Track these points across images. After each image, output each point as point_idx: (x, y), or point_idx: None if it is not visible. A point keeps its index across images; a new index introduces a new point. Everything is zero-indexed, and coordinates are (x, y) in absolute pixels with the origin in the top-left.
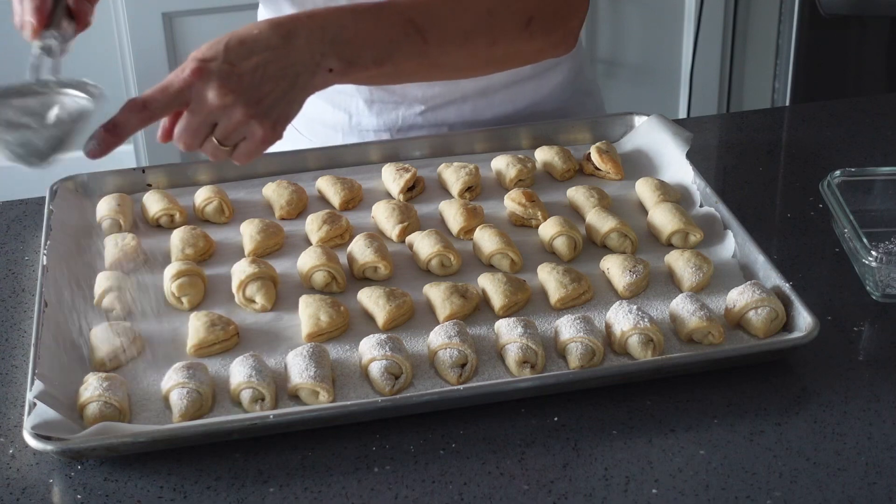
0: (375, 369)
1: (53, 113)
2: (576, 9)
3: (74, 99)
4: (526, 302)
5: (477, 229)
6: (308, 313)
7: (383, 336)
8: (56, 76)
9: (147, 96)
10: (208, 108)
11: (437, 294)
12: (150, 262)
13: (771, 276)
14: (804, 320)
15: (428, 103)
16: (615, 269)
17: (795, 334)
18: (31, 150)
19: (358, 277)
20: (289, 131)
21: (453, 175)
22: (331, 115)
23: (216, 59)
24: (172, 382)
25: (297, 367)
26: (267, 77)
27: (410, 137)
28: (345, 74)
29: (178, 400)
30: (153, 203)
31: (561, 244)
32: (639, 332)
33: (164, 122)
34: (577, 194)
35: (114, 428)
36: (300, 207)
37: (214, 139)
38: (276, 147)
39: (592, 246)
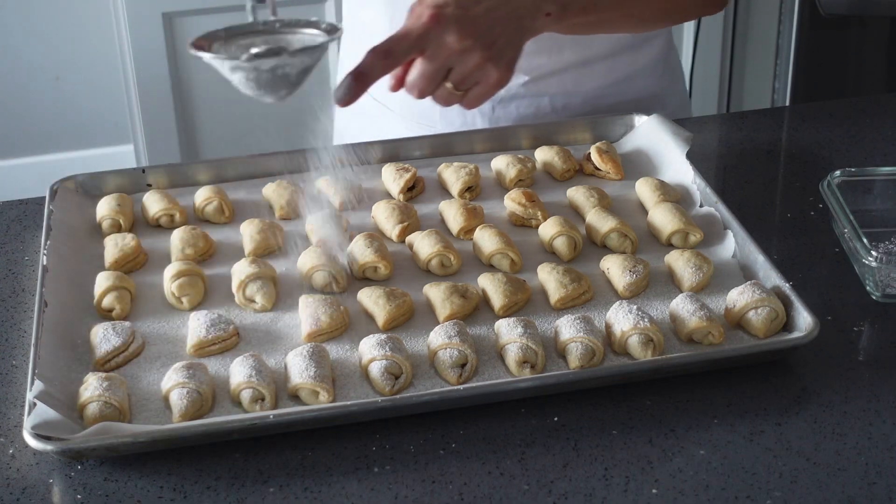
0: (375, 369)
1: (301, 42)
2: None
3: (306, 36)
4: (526, 302)
5: (477, 229)
6: (308, 313)
7: (383, 336)
8: (276, 17)
9: (390, 44)
10: (447, 52)
11: (437, 294)
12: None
13: (771, 276)
14: (804, 320)
15: (532, 73)
16: (615, 269)
17: (795, 334)
18: (282, 78)
19: (358, 277)
20: (378, 110)
21: (453, 175)
22: None
23: (450, 5)
24: (172, 382)
25: (297, 367)
26: (497, 20)
27: (410, 137)
28: (559, 20)
29: (178, 400)
30: (153, 203)
31: (561, 244)
32: (639, 332)
33: (395, 71)
34: (577, 194)
35: (114, 428)
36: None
37: (448, 84)
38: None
39: (592, 246)
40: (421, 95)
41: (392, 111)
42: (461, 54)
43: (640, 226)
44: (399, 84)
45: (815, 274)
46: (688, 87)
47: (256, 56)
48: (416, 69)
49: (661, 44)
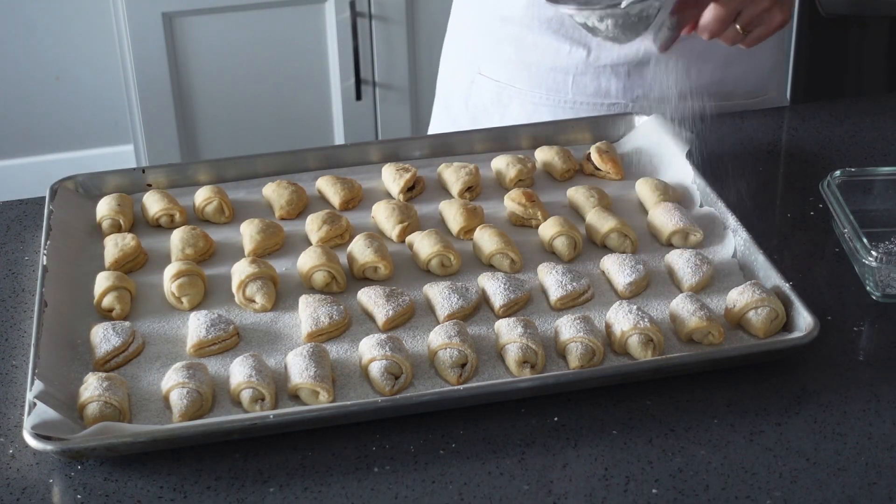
0: (375, 369)
1: None
2: None
3: None
4: (526, 302)
5: (477, 229)
6: (308, 313)
7: (383, 336)
8: None
9: None
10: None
11: (437, 294)
12: None
13: (771, 276)
14: (804, 320)
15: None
16: (615, 269)
17: (795, 334)
18: (644, 19)
19: (358, 277)
20: (497, 92)
21: (453, 175)
22: (565, 55)
23: None
24: (172, 382)
25: (297, 367)
26: None
27: (410, 137)
28: None
29: (178, 400)
30: (153, 203)
31: (561, 244)
32: (639, 332)
33: (691, 23)
34: (577, 194)
35: (114, 428)
36: (300, 207)
37: (737, 26)
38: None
39: (592, 246)
40: (711, 36)
41: (519, 89)
42: (752, 0)
43: (640, 226)
44: (692, 28)
45: (815, 274)
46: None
47: (633, 2)
48: (710, 13)
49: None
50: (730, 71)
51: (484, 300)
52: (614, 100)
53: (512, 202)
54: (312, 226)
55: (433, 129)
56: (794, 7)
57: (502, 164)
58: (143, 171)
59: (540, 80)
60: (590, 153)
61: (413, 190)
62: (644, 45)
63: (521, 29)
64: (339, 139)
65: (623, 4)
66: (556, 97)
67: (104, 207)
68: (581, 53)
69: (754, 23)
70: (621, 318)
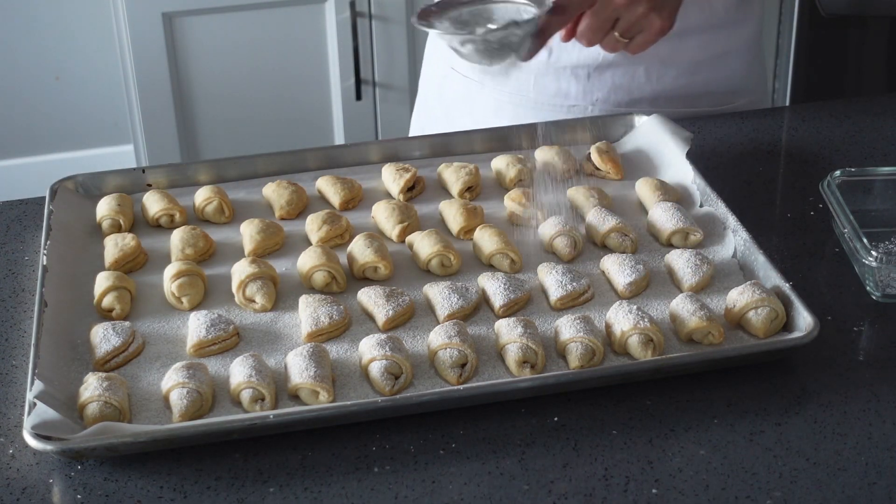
0: (375, 369)
1: (527, 13)
2: None
3: (524, 7)
4: (526, 302)
5: (477, 229)
6: (308, 313)
7: (383, 336)
8: None
9: (563, 1)
10: (614, 4)
11: (436, 294)
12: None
13: (771, 276)
14: (804, 320)
15: None
16: (615, 269)
17: (795, 334)
18: (507, 46)
19: (358, 277)
20: (466, 87)
21: (453, 175)
22: None
23: None
24: (172, 382)
25: (297, 367)
26: None
27: (410, 137)
28: None
29: (178, 400)
30: (153, 203)
31: (561, 244)
32: (639, 332)
33: (569, 26)
34: (577, 194)
35: (114, 428)
36: (300, 207)
37: (616, 33)
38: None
39: (592, 246)
40: (589, 44)
41: (484, 86)
42: (627, 6)
43: (640, 226)
44: (570, 35)
45: (815, 274)
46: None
47: (493, 30)
48: (586, 21)
49: (753, 29)
50: (696, 77)
51: (484, 300)
52: (574, 102)
53: (512, 202)
54: (312, 226)
55: (413, 120)
56: (675, 14)
57: (502, 164)
58: (143, 171)
59: (504, 79)
60: (590, 153)
61: (413, 190)
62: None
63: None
64: (339, 139)
65: (478, 33)
66: (519, 96)
67: (104, 207)
68: (543, 53)
69: (633, 30)
70: (621, 318)
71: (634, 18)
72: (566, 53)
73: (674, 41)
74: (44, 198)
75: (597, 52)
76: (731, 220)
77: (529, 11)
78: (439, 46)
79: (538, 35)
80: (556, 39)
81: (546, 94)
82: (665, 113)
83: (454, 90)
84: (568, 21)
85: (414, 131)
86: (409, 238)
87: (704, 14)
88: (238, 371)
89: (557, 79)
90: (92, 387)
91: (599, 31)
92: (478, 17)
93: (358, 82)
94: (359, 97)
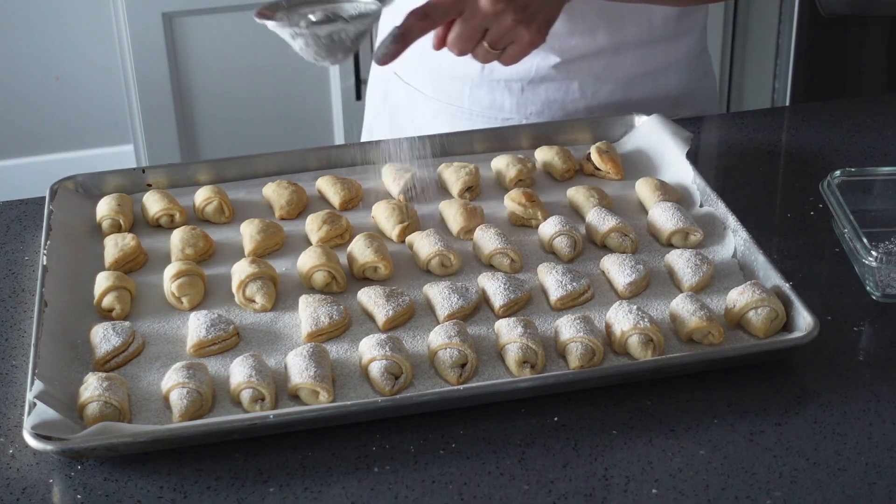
0: (375, 369)
1: (356, 9)
2: None
3: (358, 3)
4: (526, 302)
5: (477, 229)
6: (308, 313)
7: (383, 336)
8: None
9: (428, 6)
10: (482, 14)
11: (436, 294)
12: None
13: (771, 276)
14: (804, 320)
15: (563, 55)
16: (615, 269)
17: (795, 334)
18: (338, 43)
19: (358, 277)
20: (408, 93)
21: (453, 175)
22: (462, 66)
23: None
24: (172, 382)
25: (297, 367)
26: None
27: (410, 138)
28: None
29: (178, 400)
30: (153, 203)
31: (561, 244)
32: (639, 332)
33: (437, 31)
34: (577, 194)
35: (114, 428)
36: (300, 207)
37: (485, 44)
38: (278, 147)
39: (592, 246)
40: (460, 53)
41: (423, 94)
42: (495, 16)
43: (640, 226)
44: (441, 43)
45: (815, 274)
46: (717, 88)
47: (314, 24)
48: (455, 30)
49: (694, 40)
50: (633, 91)
51: (484, 300)
52: (508, 115)
53: (512, 202)
54: (312, 226)
55: (364, 125)
56: (546, 27)
57: (502, 164)
58: (143, 171)
59: (441, 88)
60: (590, 153)
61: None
62: (536, 62)
63: (427, 36)
64: (339, 139)
65: (301, 25)
66: (455, 107)
67: (104, 207)
68: (477, 66)
69: (503, 41)
70: (621, 318)
71: (502, 30)
72: (499, 67)
73: (611, 56)
74: (44, 198)
75: (530, 66)
76: (731, 220)
77: (370, 9)
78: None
79: (398, 39)
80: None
81: (480, 106)
82: None
83: (397, 96)
84: (430, 27)
85: (365, 135)
86: (409, 238)
87: (642, 29)
88: (238, 371)
89: (491, 91)
90: (92, 387)
91: (469, 41)
92: (328, 13)
93: (358, 82)
94: (359, 97)
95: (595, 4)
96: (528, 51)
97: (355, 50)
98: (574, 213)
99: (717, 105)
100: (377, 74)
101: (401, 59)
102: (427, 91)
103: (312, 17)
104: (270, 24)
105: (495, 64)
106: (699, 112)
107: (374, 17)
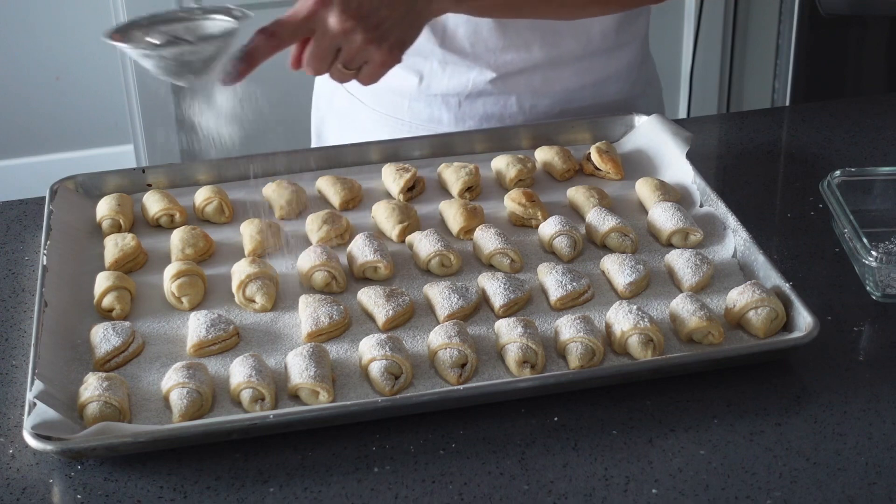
0: (375, 369)
1: (205, 31)
2: None
3: (219, 22)
4: (526, 302)
5: (477, 229)
6: (308, 313)
7: (383, 336)
8: (199, 3)
9: (275, 25)
10: (331, 34)
11: (436, 294)
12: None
13: (771, 276)
14: (804, 320)
15: (499, 70)
16: (615, 269)
17: (795, 334)
18: (186, 65)
19: (358, 277)
20: (350, 102)
21: (453, 175)
22: (401, 79)
23: None
24: (172, 382)
25: (297, 367)
26: (384, 3)
27: (410, 137)
28: (459, 2)
29: (178, 400)
30: (153, 203)
31: (561, 244)
32: (639, 332)
33: (293, 50)
34: (577, 194)
35: (114, 428)
36: (300, 207)
37: (339, 64)
38: (278, 147)
39: (592, 246)
40: (316, 73)
41: (364, 104)
42: (344, 35)
43: (640, 226)
44: (297, 63)
45: (815, 274)
46: (662, 94)
47: (159, 46)
48: (309, 49)
49: (635, 50)
50: (572, 105)
51: (484, 300)
52: (447, 128)
53: (512, 202)
54: (312, 226)
55: (312, 127)
56: (400, 47)
57: (502, 164)
58: (143, 171)
59: (381, 100)
60: (590, 153)
61: (413, 190)
62: (472, 77)
63: None
64: None
65: (144, 48)
66: (394, 119)
67: (104, 207)
68: (414, 80)
69: (356, 61)
70: (621, 318)
71: (353, 49)
72: (436, 81)
73: (548, 70)
74: (44, 198)
75: (467, 81)
76: (731, 220)
77: (225, 28)
78: None
79: (245, 59)
80: (428, 67)
81: (419, 119)
82: None
83: (341, 104)
84: (278, 47)
85: (314, 140)
86: (409, 238)
87: (579, 42)
88: (238, 371)
89: (429, 105)
90: (92, 387)
91: (322, 61)
92: (189, 34)
93: None
94: None
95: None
96: (382, 71)
97: (208, 71)
98: (574, 213)
99: (664, 112)
100: (322, 81)
101: None
102: (368, 102)
103: (154, 40)
104: (119, 46)
105: (434, 75)
106: None
107: (224, 38)
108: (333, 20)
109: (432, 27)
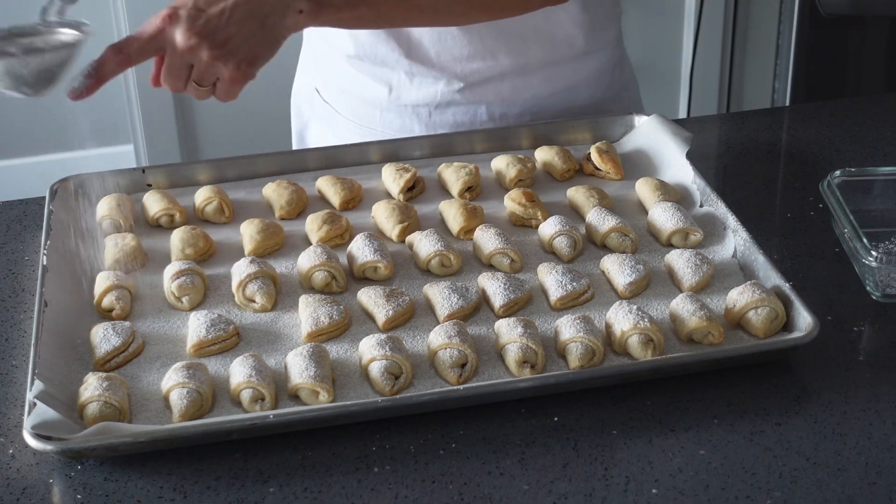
0: (375, 369)
1: (33, 43)
2: None
3: (61, 35)
4: (526, 302)
5: (477, 229)
6: (308, 313)
7: (383, 336)
8: (60, 17)
9: (124, 41)
10: (179, 51)
11: (436, 294)
12: (147, 264)
13: (771, 276)
14: (804, 320)
15: (466, 80)
16: (615, 269)
17: (795, 334)
18: (18, 78)
19: (358, 277)
20: (326, 110)
21: (453, 175)
22: (371, 91)
23: (186, 5)
24: (172, 382)
25: (297, 367)
26: (233, 20)
27: (410, 137)
28: (316, 16)
29: (178, 400)
30: (153, 203)
31: (561, 244)
32: (639, 332)
33: (160, 66)
34: (577, 194)
35: (114, 428)
36: (300, 207)
37: (193, 82)
38: (278, 147)
39: (592, 246)
40: (174, 90)
41: (339, 113)
42: (191, 52)
43: (640, 226)
44: (155, 81)
45: (815, 274)
46: (640, 94)
47: None
48: (164, 66)
49: (607, 56)
50: (543, 112)
51: (484, 300)
52: None
53: (512, 202)
54: (312, 226)
55: (293, 127)
56: (250, 63)
57: (502, 164)
58: (143, 171)
59: (353, 109)
60: (590, 153)
61: (413, 190)
62: (440, 87)
63: (339, 58)
64: None
65: None
66: (367, 129)
67: (104, 207)
68: (384, 91)
69: (207, 78)
70: (621, 318)
71: (202, 67)
72: (405, 92)
73: (516, 78)
74: (44, 198)
75: (435, 91)
76: (731, 220)
77: (63, 40)
78: (307, 66)
79: (92, 74)
80: (396, 78)
81: (391, 129)
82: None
83: (317, 111)
84: (127, 63)
85: (295, 142)
86: (409, 238)
87: (545, 50)
88: (238, 371)
89: (400, 116)
90: (92, 387)
91: (176, 78)
92: (38, 45)
93: None
94: None
95: (494, 27)
96: (234, 87)
97: (46, 85)
98: (574, 213)
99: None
100: (301, 86)
101: (320, 76)
102: (342, 111)
103: None
104: None
105: (402, 87)
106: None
107: (56, 50)
108: (179, 37)
109: (396, 38)
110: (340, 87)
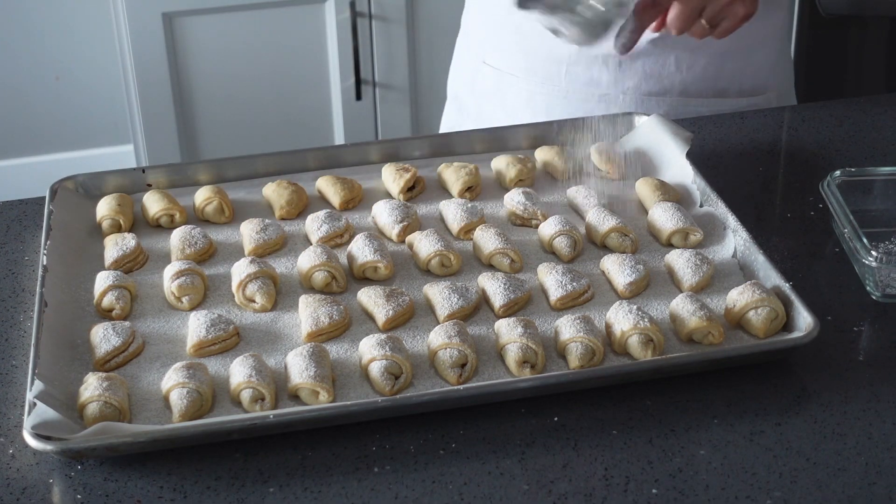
0: (375, 369)
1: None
2: None
3: None
4: (526, 302)
5: (477, 229)
6: (308, 313)
7: (383, 336)
8: None
9: None
10: None
11: (436, 294)
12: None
13: (771, 276)
14: (804, 320)
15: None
16: (615, 269)
17: (795, 334)
18: (604, 21)
19: (358, 277)
20: (497, 82)
21: (453, 175)
22: (560, 45)
23: None
24: (172, 382)
25: (297, 367)
26: None
27: (410, 137)
28: None
29: (178, 400)
30: (153, 203)
31: (561, 244)
32: (639, 332)
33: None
34: (577, 194)
35: (114, 428)
36: (300, 207)
37: (703, 21)
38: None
39: (592, 246)
40: (679, 32)
41: (516, 76)
42: None
43: (640, 226)
44: (661, 25)
45: (815, 274)
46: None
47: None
48: (674, 10)
49: (782, 17)
50: (725, 66)
51: (484, 300)
52: (605, 90)
53: (512, 202)
54: (312, 226)
55: (444, 121)
56: (758, 1)
57: (502, 164)
58: (143, 171)
59: (536, 69)
60: (590, 153)
61: (413, 190)
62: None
63: (521, 18)
64: (339, 139)
65: (578, 8)
66: (551, 86)
67: (104, 207)
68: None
69: (719, 16)
70: (621, 318)
71: (719, 7)
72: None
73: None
74: (44, 198)
75: None
76: (731, 220)
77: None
78: (471, 43)
79: (636, 29)
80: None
81: (577, 84)
82: (695, 104)
83: (485, 85)
84: (662, 12)
85: (452, 125)
86: (409, 238)
87: None
88: (238, 371)
89: (588, 67)
90: (92, 387)
91: (688, 20)
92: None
93: (358, 82)
94: (359, 97)
95: None
96: (741, 24)
97: (602, 36)
98: (574, 213)
99: (792, 94)
100: (461, 67)
101: (492, 44)
102: (520, 74)
103: (593, 2)
104: (537, 12)
105: None
106: (780, 97)
107: (625, 4)
108: None
109: None
110: (521, 49)
